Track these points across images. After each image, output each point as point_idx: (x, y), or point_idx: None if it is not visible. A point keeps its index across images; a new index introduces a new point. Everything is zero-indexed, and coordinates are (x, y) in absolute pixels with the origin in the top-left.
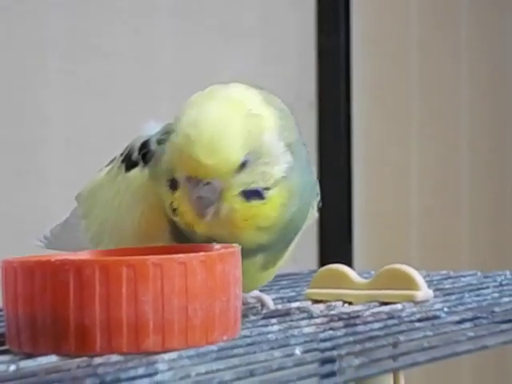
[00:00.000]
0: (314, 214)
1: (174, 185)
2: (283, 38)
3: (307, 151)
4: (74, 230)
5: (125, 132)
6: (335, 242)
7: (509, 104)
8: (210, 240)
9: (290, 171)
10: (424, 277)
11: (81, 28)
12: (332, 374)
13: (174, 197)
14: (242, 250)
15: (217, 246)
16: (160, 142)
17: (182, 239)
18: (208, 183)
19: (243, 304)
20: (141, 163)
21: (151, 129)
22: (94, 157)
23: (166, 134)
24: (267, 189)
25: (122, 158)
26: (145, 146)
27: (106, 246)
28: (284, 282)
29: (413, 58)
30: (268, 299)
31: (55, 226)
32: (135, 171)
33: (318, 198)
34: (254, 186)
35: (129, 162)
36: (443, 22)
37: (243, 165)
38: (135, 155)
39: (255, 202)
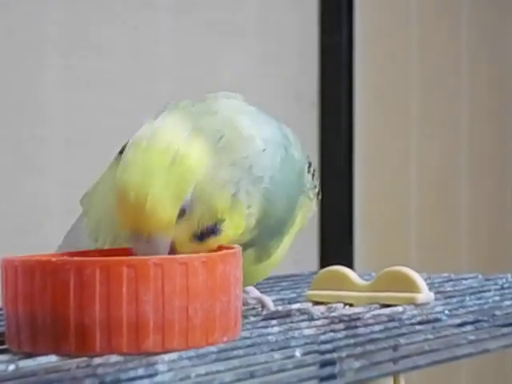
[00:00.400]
0: (310, 205)
1: None
2: (285, 37)
3: (287, 145)
4: (82, 235)
5: (124, 130)
6: (336, 244)
7: (509, 103)
8: None
9: (243, 186)
10: (425, 279)
11: (80, 25)
12: (332, 377)
13: None
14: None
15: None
16: None
17: None
18: (149, 240)
19: (244, 305)
20: None
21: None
22: (94, 155)
23: None
24: (218, 223)
25: (118, 153)
26: None
27: (102, 241)
28: (284, 284)
29: (414, 58)
30: (268, 300)
31: (66, 233)
32: None
33: (316, 189)
34: (203, 227)
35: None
36: (444, 21)
37: (182, 213)
38: None
39: (212, 239)
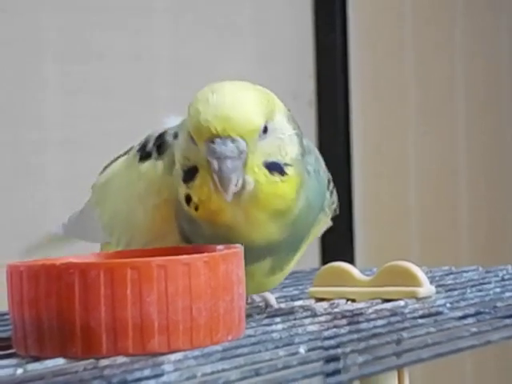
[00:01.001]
0: (326, 221)
1: (190, 174)
2: (281, 36)
3: (317, 159)
4: (90, 220)
5: (124, 133)
6: (337, 240)
7: (505, 100)
8: (223, 235)
9: (300, 158)
10: (426, 273)
11: (78, 29)
12: (337, 372)
13: (192, 186)
14: (252, 252)
15: (220, 246)
16: (176, 135)
17: (189, 236)
18: (233, 140)
19: (247, 303)
20: (154, 154)
21: (170, 122)
22: (92, 158)
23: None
24: (286, 165)
25: (137, 148)
26: (160, 137)
27: (118, 236)
28: (287, 281)
29: (410, 55)
30: (271, 298)
31: (73, 213)
32: (148, 163)
33: (333, 205)
34: (274, 159)
35: (143, 153)
36: (439, 19)
37: (264, 131)
38: (150, 146)
39: (277, 177)
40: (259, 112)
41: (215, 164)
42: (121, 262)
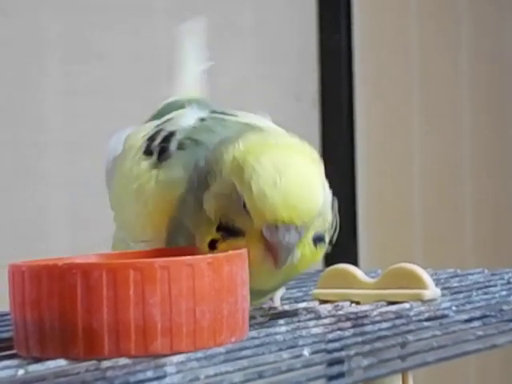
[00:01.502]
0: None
1: (227, 231)
2: (285, 37)
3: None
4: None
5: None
6: (341, 242)
7: (509, 100)
8: None
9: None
10: (431, 275)
11: (79, 30)
12: (341, 375)
13: (227, 240)
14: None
15: None
16: (181, 145)
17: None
18: (297, 228)
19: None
20: (155, 156)
21: (187, 118)
22: (95, 160)
23: (189, 139)
24: (326, 233)
25: (147, 137)
26: (168, 138)
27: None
28: (291, 283)
29: (414, 56)
30: (277, 298)
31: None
32: (144, 165)
33: (332, 230)
34: (319, 232)
35: (148, 148)
36: (444, 19)
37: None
38: (155, 144)
39: (319, 247)
40: (321, 195)
41: (276, 245)
42: (123, 262)
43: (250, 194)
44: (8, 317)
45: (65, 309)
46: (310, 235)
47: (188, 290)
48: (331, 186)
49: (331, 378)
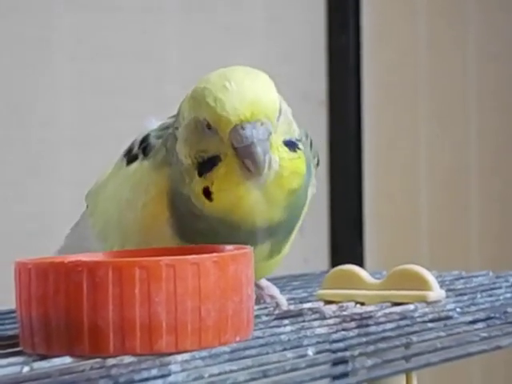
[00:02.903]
0: (312, 192)
1: (208, 166)
2: (293, 37)
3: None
4: (86, 232)
5: (133, 132)
6: (346, 243)
7: None
8: (228, 224)
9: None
10: (436, 277)
11: (88, 29)
12: (344, 375)
13: (214, 176)
14: (253, 237)
15: (229, 247)
16: (159, 136)
17: (183, 231)
18: (263, 123)
19: (259, 300)
20: (140, 156)
21: (152, 125)
22: (103, 157)
23: (165, 129)
24: (298, 140)
25: (124, 153)
26: (145, 140)
27: (111, 242)
28: (296, 283)
29: (422, 56)
30: (282, 299)
31: (68, 232)
32: (135, 164)
33: (316, 160)
34: (289, 137)
35: (130, 156)
36: (452, 19)
37: (279, 111)
38: (135, 149)
39: (295, 154)
40: (276, 96)
41: (248, 149)
42: (129, 261)
43: (207, 109)
44: (14, 314)
45: (70, 306)
46: (279, 139)
47: (193, 288)
48: (338, 186)
49: (335, 377)
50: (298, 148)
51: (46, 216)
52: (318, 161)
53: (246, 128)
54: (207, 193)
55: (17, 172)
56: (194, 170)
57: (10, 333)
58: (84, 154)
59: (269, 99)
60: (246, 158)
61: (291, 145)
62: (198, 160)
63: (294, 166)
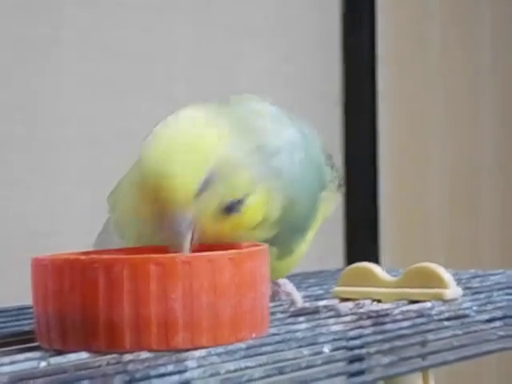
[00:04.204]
0: (332, 197)
1: None
2: (307, 36)
3: (306, 144)
4: (110, 237)
5: (141, 131)
6: (362, 241)
7: None
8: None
9: (263, 172)
10: (452, 275)
11: (95, 28)
12: (360, 373)
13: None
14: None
15: (245, 244)
16: None
17: None
18: (172, 217)
19: (275, 298)
20: None
21: None
22: (112, 156)
23: None
24: (241, 200)
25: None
26: None
27: (128, 238)
28: (311, 281)
29: (437, 55)
30: (298, 297)
31: (97, 236)
32: None
33: (336, 180)
34: (224, 203)
35: None
36: (466, 18)
37: (204, 187)
38: None
39: (234, 215)
40: (188, 179)
41: (164, 230)
42: (145, 257)
43: (141, 172)
44: (30, 310)
45: (86, 302)
46: (211, 208)
47: (209, 285)
48: (353, 185)
49: (351, 375)
50: (238, 209)
51: (58, 214)
52: (340, 183)
53: (165, 219)
54: None
55: (24, 171)
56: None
57: (27, 328)
58: (92, 153)
59: (183, 188)
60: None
61: (229, 209)
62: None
63: (232, 225)
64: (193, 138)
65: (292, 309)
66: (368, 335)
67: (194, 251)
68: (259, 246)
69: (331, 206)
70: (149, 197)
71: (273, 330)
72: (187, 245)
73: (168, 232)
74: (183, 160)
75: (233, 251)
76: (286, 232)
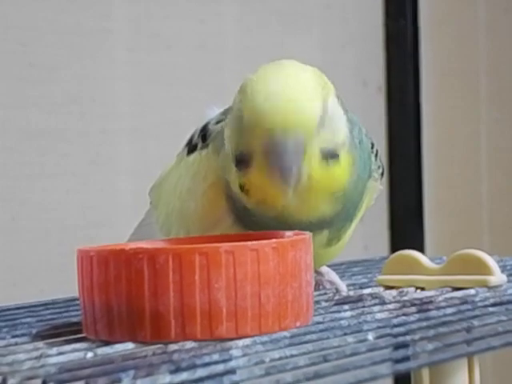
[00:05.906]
0: (376, 186)
1: (243, 162)
2: (350, 23)
3: (360, 127)
4: (150, 230)
5: (191, 121)
6: (406, 229)
7: None
8: (274, 217)
9: (349, 135)
10: (497, 262)
11: (146, 20)
12: (406, 359)
13: (246, 175)
14: (306, 228)
15: (288, 233)
16: (218, 122)
17: (241, 219)
18: (294, 136)
19: (319, 286)
20: (200, 144)
21: (213, 113)
22: (161, 147)
23: (224, 114)
24: (339, 149)
25: (185, 144)
26: (204, 128)
27: (175, 233)
28: (356, 269)
29: (481, 41)
30: (342, 285)
31: (133, 230)
32: (194, 154)
33: (380, 169)
34: (329, 146)
35: (190, 146)
36: None
37: (321, 121)
38: (195, 139)
39: (332, 163)
40: (317, 104)
41: (275, 159)
42: (189, 247)
43: (246, 104)
44: (77, 301)
45: (132, 293)
46: (315, 149)
47: (253, 274)
48: (397, 172)
49: (397, 361)
50: (337, 159)
51: (106, 206)
52: (383, 172)
53: (277, 137)
54: (244, 189)
55: (77, 163)
56: (231, 161)
57: (74, 320)
58: (143, 144)
59: (307, 108)
60: (274, 167)
61: (329, 155)
62: (236, 154)
63: (327, 177)
64: (312, 72)
65: (336, 297)
66: (412, 322)
67: (237, 241)
68: (303, 234)
69: (374, 194)
70: (262, 126)
71: (317, 319)
72: (295, 175)
73: (277, 161)
74: (306, 86)
75: (276, 240)
76: (341, 214)
